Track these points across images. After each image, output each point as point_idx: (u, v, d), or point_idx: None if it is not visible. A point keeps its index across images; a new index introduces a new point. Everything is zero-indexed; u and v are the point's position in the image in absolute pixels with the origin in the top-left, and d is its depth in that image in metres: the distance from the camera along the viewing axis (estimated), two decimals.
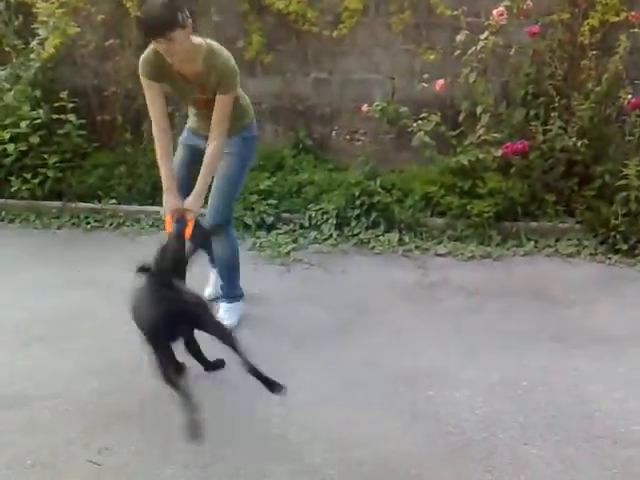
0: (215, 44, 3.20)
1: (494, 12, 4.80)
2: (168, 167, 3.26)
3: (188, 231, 3.10)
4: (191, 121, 3.52)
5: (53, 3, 5.39)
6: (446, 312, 3.83)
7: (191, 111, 3.48)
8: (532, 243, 4.66)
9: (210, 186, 3.36)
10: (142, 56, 3.22)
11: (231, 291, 3.70)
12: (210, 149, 3.21)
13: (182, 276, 2.92)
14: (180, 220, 3.16)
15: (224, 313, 3.62)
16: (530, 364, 3.27)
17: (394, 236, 4.76)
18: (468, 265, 4.46)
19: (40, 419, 2.88)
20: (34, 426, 2.83)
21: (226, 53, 3.18)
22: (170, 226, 3.15)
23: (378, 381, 3.15)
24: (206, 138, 3.28)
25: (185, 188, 3.29)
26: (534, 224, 4.78)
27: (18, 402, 3.00)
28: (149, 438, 2.76)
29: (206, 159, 3.22)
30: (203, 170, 3.23)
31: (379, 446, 2.71)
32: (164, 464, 2.60)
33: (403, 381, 3.13)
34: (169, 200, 3.22)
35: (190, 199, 3.20)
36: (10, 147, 5.27)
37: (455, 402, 2.98)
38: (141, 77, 3.22)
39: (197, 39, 3.14)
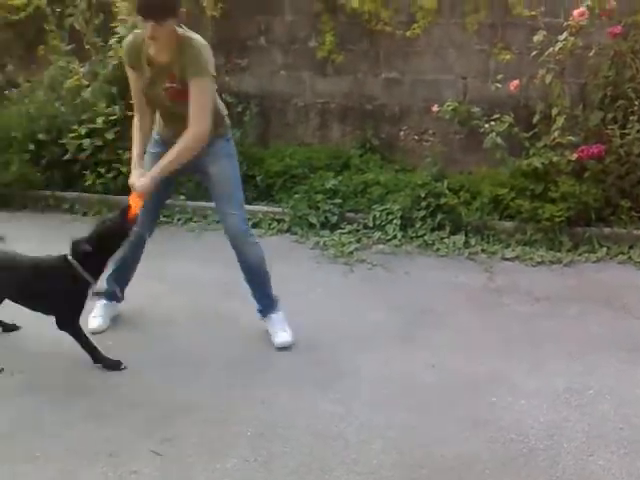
0: (196, 36, 3.14)
1: (574, 12, 4.66)
2: (141, 148, 3.31)
3: (131, 211, 3.13)
4: (159, 127, 3.38)
5: (132, 2, 5.54)
6: (512, 317, 3.75)
7: (159, 115, 3.35)
8: (605, 249, 4.51)
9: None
10: (124, 42, 3.31)
11: (270, 301, 3.50)
12: (186, 136, 3.11)
13: (106, 252, 3.16)
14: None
15: (281, 325, 3.45)
16: (598, 373, 3.17)
17: (460, 239, 4.69)
18: (537, 270, 4.34)
19: (104, 409, 2.95)
20: (98, 415, 2.90)
21: (203, 43, 3.12)
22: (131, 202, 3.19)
23: (440, 385, 3.11)
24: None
25: (155, 202, 3.40)
26: (607, 230, 4.63)
27: (83, 391, 3.08)
28: (211, 431, 2.79)
29: (178, 145, 3.12)
30: (169, 156, 3.15)
31: (439, 450, 2.67)
32: (225, 457, 2.63)
33: (466, 386, 3.08)
34: (131, 176, 3.25)
35: (142, 179, 3.17)
36: (86, 142, 5.43)
37: (519, 409, 2.91)
38: (125, 64, 3.30)
39: (180, 29, 3.11)
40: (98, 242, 3.11)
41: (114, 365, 3.21)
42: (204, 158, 3.27)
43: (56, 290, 3.14)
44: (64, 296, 3.15)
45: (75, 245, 3.12)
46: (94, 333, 3.43)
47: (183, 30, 3.14)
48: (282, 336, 3.42)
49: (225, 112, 3.41)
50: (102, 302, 3.63)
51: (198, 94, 3.08)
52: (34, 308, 3.27)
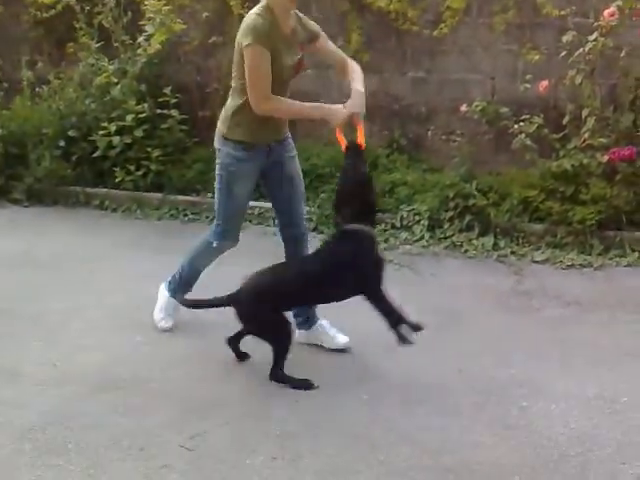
0: None
1: (604, 12, 4.61)
2: (301, 103, 3.10)
3: (362, 138, 2.94)
4: (254, 127, 3.11)
5: (160, 0, 5.58)
6: (542, 321, 3.72)
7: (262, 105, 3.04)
8: (636, 254, 4.45)
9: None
10: (248, 25, 2.98)
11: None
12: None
13: (369, 202, 2.87)
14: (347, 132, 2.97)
15: (338, 333, 3.44)
16: (630, 380, 3.13)
17: (489, 240, 4.66)
18: (567, 274, 4.31)
19: (135, 403, 2.98)
20: (129, 409, 2.94)
21: None
22: (342, 139, 2.97)
23: (469, 388, 3.09)
24: (270, 149, 3.14)
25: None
26: (639, 234, 4.57)
27: (114, 385, 3.11)
28: (241, 427, 2.81)
29: (355, 66, 3.17)
30: (354, 74, 3.11)
31: (468, 454, 2.65)
32: (253, 454, 2.64)
33: (495, 390, 3.06)
34: (333, 109, 3.01)
35: (352, 101, 2.99)
36: (116, 139, 5.50)
37: (549, 414, 2.88)
38: (254, 46, 2.94)
39: None
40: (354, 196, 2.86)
41: None
42: (280, 150, 3.21)
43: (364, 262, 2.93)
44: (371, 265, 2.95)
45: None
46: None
47: None
48: (342, 337, 3.41)
49: None
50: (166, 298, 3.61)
51: (329, 43, 3.25)
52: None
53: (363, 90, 3.04)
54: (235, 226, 3.34)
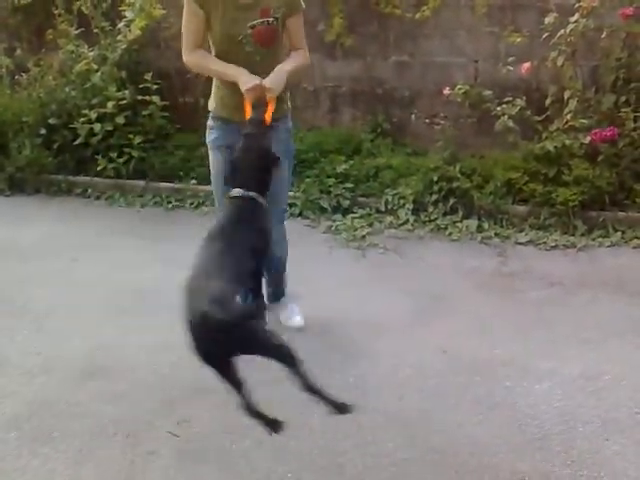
0: None
1: None
2: (224, 64, 2.89)
3: (269, 115, 2.80)
4: (224, 101, 3.00)
5: None
6: (526, 302, 3.74)
7: (229, 73, 2.88)
8: (619, 234, 4.47)
9: None
10: None
11: (286, 290, 3.53)
12: (300, 52, 2.97)
13: (266, 179, 2.68)
14: (259, 106, 2.80)
15: (298, 314, 3.49)
16: (613, 359, 3.16)
17: (473, 223, 4.67)
18: (550, 255, 4.32)
19: (121, 390, 2.98)
20: (115, 397, 2.94)
21: None
22: (249, 112, 2.80)
23: (454, 369, 3.11)
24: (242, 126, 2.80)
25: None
26: (622, 214, 4.59)
27: (99, 372, 3.12)
28: (227, 413, 2.79)
29: (294, 57, 2.95)
30: (291, 59, 2.94)
31: (454, 434, 2.68)
32: (240, 439, 2.66)
33: (480, 370, 3.08)
34: (244, 79, 2.80)
35: (271, 76, 2.83)
36: (97, 127, 5.44)
37: (534, 394, 2.91)
38: (187, 2, 2.88)
39: None
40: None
41: None
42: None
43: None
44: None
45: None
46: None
47: None
48: (298, 319, 3.45)
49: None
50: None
51: (299, 28, 2.95)
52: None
53: (288, 69, 2.88)
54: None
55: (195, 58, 2.97)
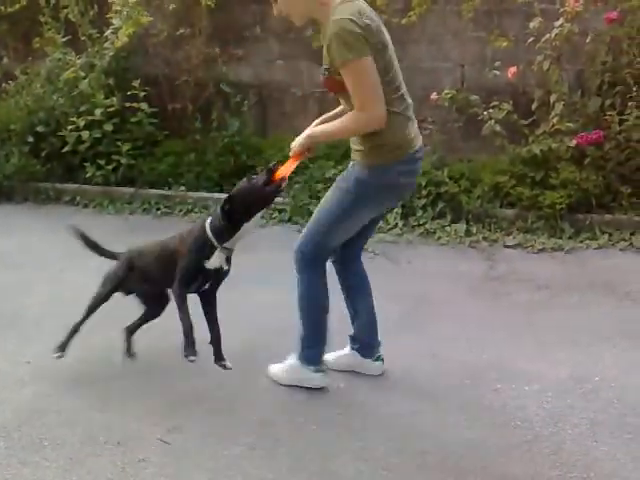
0: (343, 11, 2.61)
1: None
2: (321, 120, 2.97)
3: (284, 169, 2.84)
4: None
5: None
6: (515, 305, 3.76)
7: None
8: (606, 236, 4.52)
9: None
10: (349, 25, 2.56)
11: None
12: (350, 114, 2.72)
13: (247, 213, 2.79)
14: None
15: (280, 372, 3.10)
16: (602, 361, 3.18)
17: (461, 227, 4.70)
18: (538, 258, 4.36)
19: (111, 398, 2.97)
20: (105, 404, 2.92)
21: (341, 19, 2.58)
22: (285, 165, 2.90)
23: (443, 372, 3.12)
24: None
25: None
26: (608, 217, 4.64)
27: (89, 381, 3.10)
28: (217, 420, 2.81)
29: (344, 119, 2.76)
30: (335, 124, 2.80)
31: (444, 437, 2.68)
32: (231, 445, 2.65)
33: (469, 373, 3.10)
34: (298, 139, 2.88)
35: (298, 137, 2.87)
36: (85, 134, 5.44)
37: (523, 396, 2.93)
38: (362, 59, 2.60)
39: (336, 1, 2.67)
40: (235, 202, 2.79)
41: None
42: None
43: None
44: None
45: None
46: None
47: (339, 3, 2.65)
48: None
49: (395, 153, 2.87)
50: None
51: (349, 83, 2.64)
52: None
53: (316, 131, 2.91)
54: None
55: None
